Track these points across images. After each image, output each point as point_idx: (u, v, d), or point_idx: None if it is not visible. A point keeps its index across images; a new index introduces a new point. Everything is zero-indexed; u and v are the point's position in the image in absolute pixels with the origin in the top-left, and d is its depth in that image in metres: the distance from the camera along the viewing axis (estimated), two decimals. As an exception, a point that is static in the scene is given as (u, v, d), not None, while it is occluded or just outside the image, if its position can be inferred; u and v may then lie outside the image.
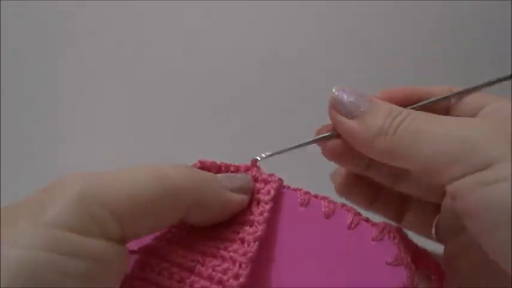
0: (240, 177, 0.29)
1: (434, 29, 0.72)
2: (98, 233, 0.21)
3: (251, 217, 0.27)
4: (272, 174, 0.29)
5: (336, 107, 0.30)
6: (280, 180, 0.30)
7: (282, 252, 0.28)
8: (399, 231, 0.30)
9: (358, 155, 0.30)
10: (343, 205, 0.30)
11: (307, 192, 0.30)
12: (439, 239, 0.34)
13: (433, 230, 0.35)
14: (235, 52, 0.72)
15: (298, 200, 0.29)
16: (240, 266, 0.25)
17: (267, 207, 0.28)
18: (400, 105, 0.29)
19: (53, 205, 0.20)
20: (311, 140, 0.32)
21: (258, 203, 0.28)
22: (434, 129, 0.26)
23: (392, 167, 0.29)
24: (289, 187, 0.30)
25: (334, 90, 0.30)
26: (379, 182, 0.36)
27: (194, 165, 0.28)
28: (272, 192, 0.28)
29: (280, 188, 0.29)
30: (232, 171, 0.29)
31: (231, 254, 0.26)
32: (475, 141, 0.24)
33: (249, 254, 0.25)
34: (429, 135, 0.26)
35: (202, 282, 0.25)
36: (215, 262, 0.26)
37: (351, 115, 0.29)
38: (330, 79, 0.71)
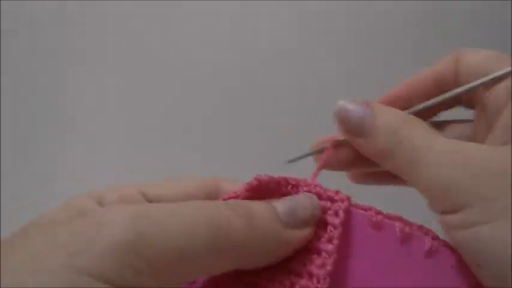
0: (305, 206, 0.25)
1: (434, 29, 0.72)
2: (132, 285, 0.20)
3: (318, 243, 0.24)
4: (338, 191, 0.26)
5: (342, 123, 0.28)
6: (348, 198, 0.25)
7: (353, 283, 0.25)
8: None
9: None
10: (420, 227, 0.26)
11: (379, 212, 0.26)
12: None
13: None
14: (236, 52, 0.72)
15: (370, 221, 0.26)
16: None
17: (336, 232, 0.24)
18: (407, 105, 0.29)
19: (93, 249, 0.19)
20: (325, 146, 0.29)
21: (325, 226, 0.24)
22: (428, 158, 0.25)
23: None
24: (357, 205, 0.26)
25: (338, 104, 0.28)
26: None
27: (250, 183, 0.25)
28: (341, 214, 0.24)
29: (349, 208, 0.25)
30: (292, 185, 0.26)
31: None
32: (457, 181, 0.24)
33: None
34: (423, 165, 0.25)
35: None
36: None
37: (356, 131, 0.27)
38: (331, 79, 0.71)
